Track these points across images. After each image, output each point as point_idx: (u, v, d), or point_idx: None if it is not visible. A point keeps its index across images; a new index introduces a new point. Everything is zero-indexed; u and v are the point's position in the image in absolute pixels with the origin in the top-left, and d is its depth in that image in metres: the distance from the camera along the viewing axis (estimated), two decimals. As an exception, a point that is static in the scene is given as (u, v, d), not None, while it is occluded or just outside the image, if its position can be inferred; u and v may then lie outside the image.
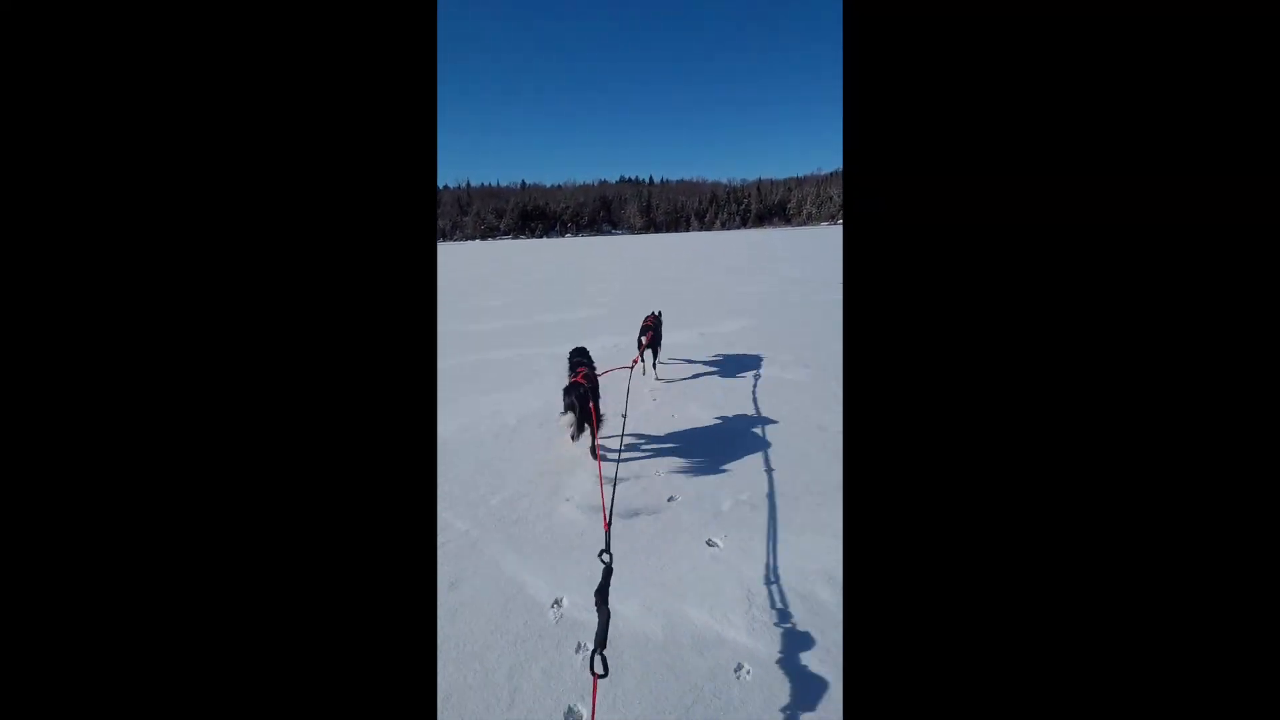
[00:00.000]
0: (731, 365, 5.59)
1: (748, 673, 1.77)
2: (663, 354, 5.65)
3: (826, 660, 1.80)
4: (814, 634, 1.90)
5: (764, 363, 5.58)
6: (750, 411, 4.14)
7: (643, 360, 5.00)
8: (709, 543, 2.43)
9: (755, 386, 4.80)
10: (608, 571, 1.74)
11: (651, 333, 5.01)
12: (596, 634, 1.50)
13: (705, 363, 5.70)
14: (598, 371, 3.84)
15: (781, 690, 1.72)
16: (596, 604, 1.60)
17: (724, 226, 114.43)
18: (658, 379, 5.09)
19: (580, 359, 3.78)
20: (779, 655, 1.84)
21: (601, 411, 3.38)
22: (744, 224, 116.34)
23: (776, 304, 9.26)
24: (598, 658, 1.40)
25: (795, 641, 1.88)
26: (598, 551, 1.94)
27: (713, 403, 4.37)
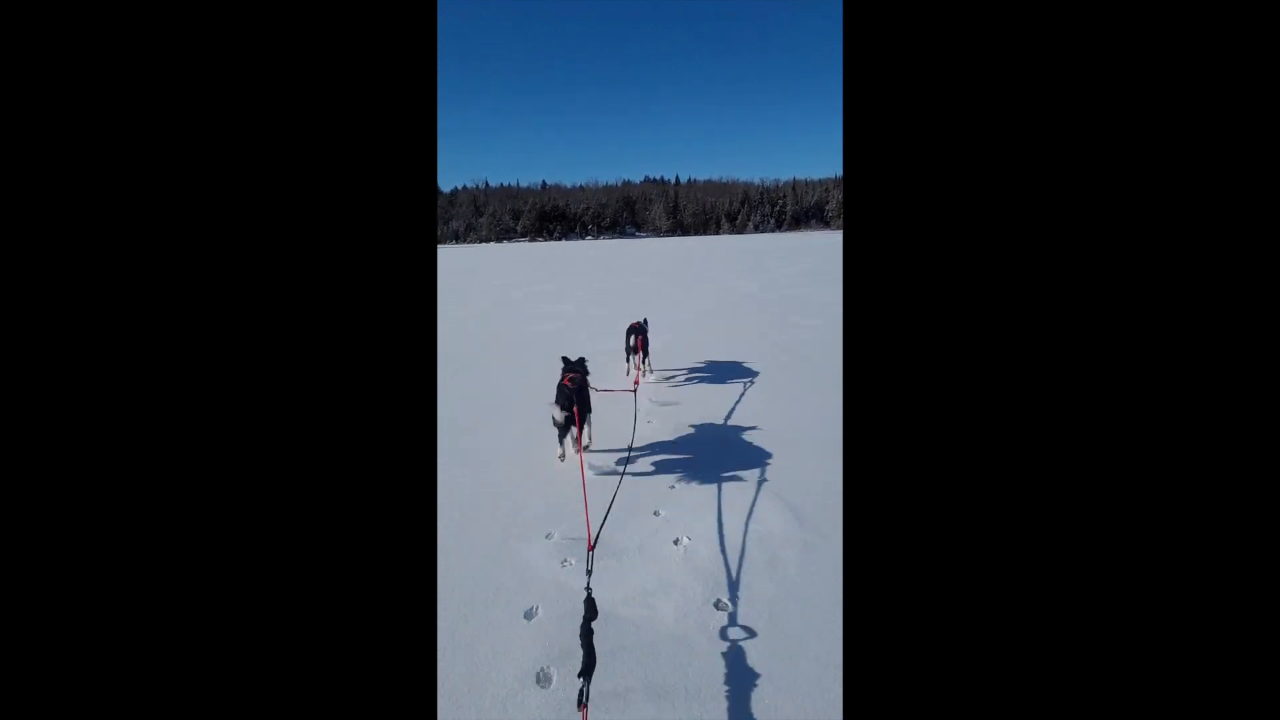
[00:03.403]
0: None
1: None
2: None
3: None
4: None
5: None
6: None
7: (639, 367, 5.36)
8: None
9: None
10: (590, 605, 1.77)
11: (640, 338, 5.35)
12: (582, 669, 1.55)
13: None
14: (596, 388, 3.97)
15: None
16: (581, 642, 1.64)
17: (757, 229, 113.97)
18: (651, 372, 5.49)
19: (572, 368, 3.87)
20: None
21: (590, 416, 3.48)
22: (779, 226, 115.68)
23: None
24: (585, 691, 1.46)
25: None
26: (584, 584, 1.99)
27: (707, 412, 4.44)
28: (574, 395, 3.30)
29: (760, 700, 1.73)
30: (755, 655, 1.92)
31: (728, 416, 4.39)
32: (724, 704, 1.72)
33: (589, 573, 2.02)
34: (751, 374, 5.63)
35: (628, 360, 5.41)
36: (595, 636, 1.68)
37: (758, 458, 3.56)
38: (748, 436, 3.95)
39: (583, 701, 1.43)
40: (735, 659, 1.90)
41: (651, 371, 5.57)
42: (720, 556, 2.48)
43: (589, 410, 3.48)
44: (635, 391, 4.70)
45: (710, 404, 4.70)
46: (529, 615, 2.04)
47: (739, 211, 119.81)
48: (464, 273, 22.65)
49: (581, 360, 4.03)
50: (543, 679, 1.80)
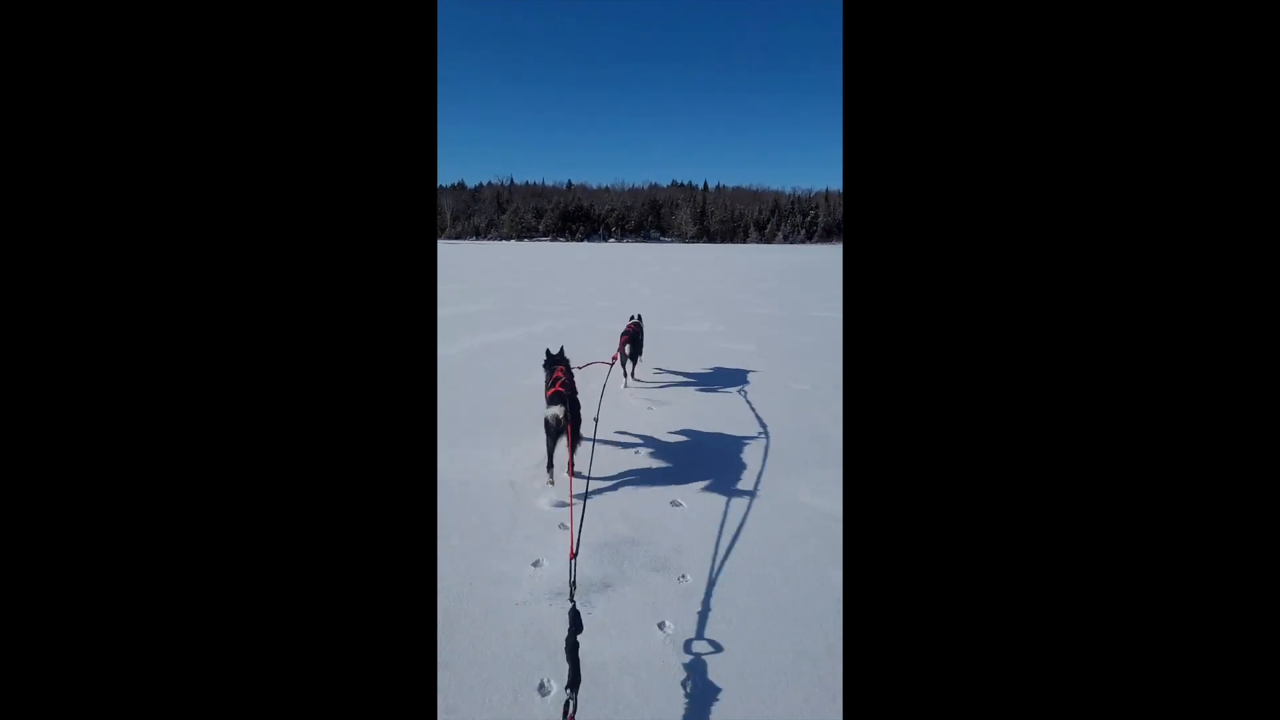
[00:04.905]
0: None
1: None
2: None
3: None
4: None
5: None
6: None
7: (623, 368, 5.15)
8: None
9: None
10: (575, 618, 1.73)
11: (630, 338, 5.15)
12: (568, 679, 1.53)
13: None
14: (574, 366, 3.74)
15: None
16: (567, 654, 1.62)
17: (786, 240, 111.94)
18: (635, 380, 5.27)
19: (556, 363, 3.58)
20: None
21: (581, 433, 3.18)
22: (809, 238, 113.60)
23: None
24: (571, 704, 1.45)
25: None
26: (566, 593, 1.94)
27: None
28: (568, 399, 3.06)
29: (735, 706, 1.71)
30: (727, 664, 1.86)
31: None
32: (711, 707, 1.72)
33: (573, 584, 1.93)
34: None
35: (624, 365, 5.14)
36: (581, 650, 1.64)
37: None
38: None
39: (569, 714, 1.42)
40: (717, 663, 1.87)
41: (633, 373, 5.27)
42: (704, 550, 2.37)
43: (581, 423, 3.17)
44: (610, 365, 4.53)
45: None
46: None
47: (768, 221, 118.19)
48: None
49: (562, 351, 3.73)
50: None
